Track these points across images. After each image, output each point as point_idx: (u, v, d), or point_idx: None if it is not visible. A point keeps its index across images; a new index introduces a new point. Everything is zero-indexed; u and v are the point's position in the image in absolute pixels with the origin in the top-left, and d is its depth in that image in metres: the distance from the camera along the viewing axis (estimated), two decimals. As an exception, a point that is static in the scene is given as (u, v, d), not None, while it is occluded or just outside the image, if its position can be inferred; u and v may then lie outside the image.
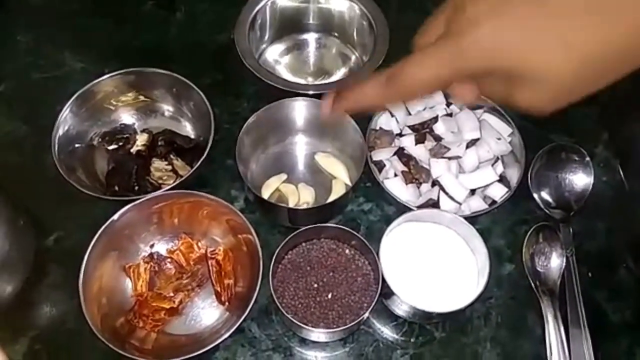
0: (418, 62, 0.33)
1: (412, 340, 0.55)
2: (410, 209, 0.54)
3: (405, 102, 0.44)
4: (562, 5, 0.28)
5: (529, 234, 0.58)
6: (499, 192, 0.57)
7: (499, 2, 0.29)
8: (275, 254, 0.51)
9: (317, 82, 0.68)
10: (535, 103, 0.31)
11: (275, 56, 0.70)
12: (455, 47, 0.30)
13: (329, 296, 0.53)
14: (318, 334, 0.52)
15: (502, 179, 0.58)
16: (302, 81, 0.68)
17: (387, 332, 0.55)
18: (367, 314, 0.50)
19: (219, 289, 0.55)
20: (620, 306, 0.57)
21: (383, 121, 0.62)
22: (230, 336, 0.49)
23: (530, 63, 0.29)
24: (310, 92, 0.59)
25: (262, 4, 0.65)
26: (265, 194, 0.60)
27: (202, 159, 0.56)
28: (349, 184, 0.60)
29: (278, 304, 0.49)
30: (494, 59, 0.30)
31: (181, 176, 0.59)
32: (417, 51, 0.34)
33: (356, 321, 0.49)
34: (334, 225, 0.53)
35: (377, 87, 0.36)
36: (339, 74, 0.69)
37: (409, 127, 0.61)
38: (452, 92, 0.34)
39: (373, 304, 0.50)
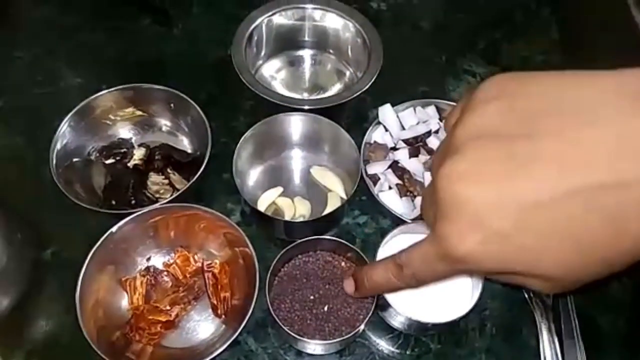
0: (416, 262, 0.34)
1: (407, 352, 0.55)
2: (404, 221, 0.55)
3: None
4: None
5: (522, 246, 0.59)
6: (492, 205, 0.58)
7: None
8: (272, 267, 0.52)
9: (312, 97, 0.69)
10: (547, 291, 0.30)
11: (271, 72, 0.72)
12: (448, 258, 0.30)
13: (325, 308, 0.53)
14: (314, 347, 0.52)
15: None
16: (297, 96, 0.69)
17: (383, 344, 0.56)
18: (362, 326, 0.50)
19: (215, 302, 0.55)
20: (613, 318, 0.57)
21: (377, 135, 0.63)
22: (226, 349, 0.49)
23: (536, 268, 0.28)
24: (306, 107, 0.60)
25: (258, 21, 0.67)
26: (262, 207, 0.60)
27: (199, 173, 0.56)
28: (344, 197, 0.61)
29: (275, 317, 0.50)
30: (496, 267, 0.29)
31: (178, 190, 0.60)
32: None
33: (352, 333, 0.50)
34: (330, 237, 0.54)
35: (389, 274, 0.37)
36: (334, 90, 0.71)
37: (403, 141, 0.62)
38: None
39: (369, 315, 0.50)
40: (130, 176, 0.61)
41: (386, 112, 0.62)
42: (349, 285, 0.45)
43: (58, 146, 0.59)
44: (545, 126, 0.26)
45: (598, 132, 0.24)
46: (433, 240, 0.31)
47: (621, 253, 0.26)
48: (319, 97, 0.69)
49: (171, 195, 0.58)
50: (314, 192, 0.63)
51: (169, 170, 0.62)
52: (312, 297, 0.53)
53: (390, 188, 0.60)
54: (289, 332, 0.49)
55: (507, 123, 0.27)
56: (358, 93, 0.61)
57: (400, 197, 0.59)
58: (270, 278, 0.52)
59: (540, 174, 0.26)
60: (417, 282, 0.35)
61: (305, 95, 0.70)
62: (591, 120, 0.25)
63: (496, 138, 0.27)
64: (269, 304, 0.50)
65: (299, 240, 0.53)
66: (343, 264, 0.55)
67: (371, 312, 0.50)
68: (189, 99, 0.61)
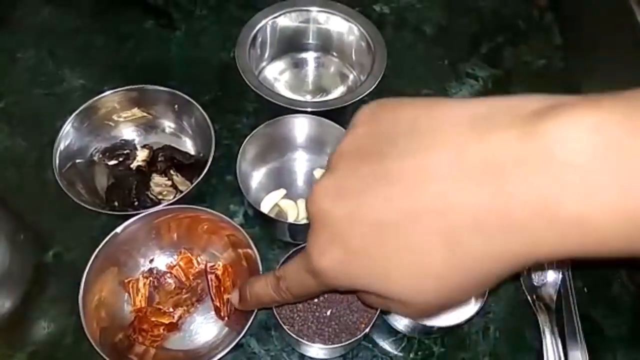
0: (289, 275, 0.35)
1: (411, 355, 0.55)
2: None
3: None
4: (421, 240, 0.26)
5: (525, 249, 0.59)
6: (495, 208, 0.58)
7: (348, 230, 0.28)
8: (280, 263, 0.52)
9: (316, 100, 0.69)
10: (411, 314, 0.30)
11: (275, 74, 0.72)
12: (311, 272, 0.31)
13: (328, 312, 0.53)
14: (317, 350, 0.52)
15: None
16: (301, 99, 0.69)
17: (387, 347, 0.55)
18: (367, 330, 0.50)
19: (218, 304, 0.55)
20: (616, 321, 0.57)
21: (381, 138, 0.63)
22: (229, 352, 0.48)
23: (387, 290, 0.28)
24: (309, 110, 0.60)
25: (262, 23, 0.67)
26: (265, 209, 0.60)
27: (202, 175, 0.56)
28: (348, 199, 0.61)
29: (276, 314, 0.49)
30: (350, 284, 0.30)
31: (181, 191, 0.60)
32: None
33: (355, 338, 0.49)
34: None
35: (268, 287, 0.38)
36: (337, 92, 0.71)
37: (406, 143, 0.62)
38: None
39: (374, 319, 0.50)
40: (133, 177, 0.61)
41: (390, 114, 0.62)
42: (234, 297, 0.44)
43: (61, 147, 0.58)
44: (396, 148, 0.27)
45: (435, 156, 0.25)
46: (303, 254, 0.32)
47: (466, 276, 0.26)
48: (322, 99, 0.69)
49: (174, 197, 0.58)
50: (317, 194, 0.63)
51: (172, 171, 0.62)
52: (315, 300, 0.53)
53: (393, 191, 0.60)
54: (288, 331, 0.49)
55: (370, 144, 0.29)
56: (362, 96, 0.61)
57: (404, 199, 0.59)
58: None
59: (386, 194, 0.26)
60: (292, 296, 0.36)
61: (309, 98, 0.70)
62: (430, 144, 0.26)
63: (360, 158, 0.28)
64: None
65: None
66: None
67: (373, 321, 0.50)
68: (192, 101, 0.61)
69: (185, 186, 0.61)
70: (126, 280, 0.55)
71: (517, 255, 0.25)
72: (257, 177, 0.63)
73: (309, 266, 0.30)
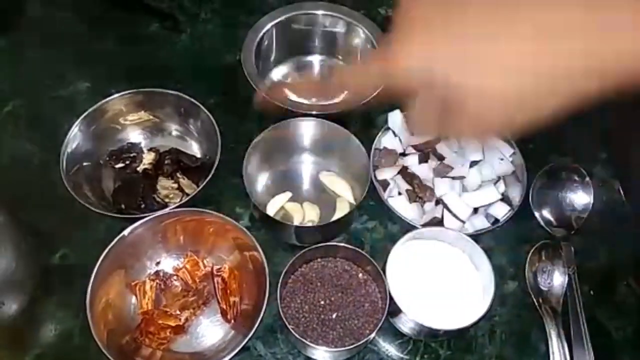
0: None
1: (417, 358, 0.55)
2: (414, 227, 0.55)
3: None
4: (511, 32, 0.29)
5: (531, 252, 0.59)
6: (501, 211, 0.58)
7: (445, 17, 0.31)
8: (290, 264, 0.52)
9: (321, 103, 0.69)
10: (470, 125, 0.33)
11: (281, 77, 0.72)
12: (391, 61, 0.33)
13: (334, 316, 0.53)
14: (323, 353, 0.52)
15: (505, 198, 0.59)
16: (306, 102, 0.69)
17: (393, 350, 0.55)
18: (372, 335, 0.50)
19: (224, 307, 0.55)
20: (622, 324, 0.57)
21: (387, 141, 0.63)
22: (235, 355, 0.49)
23: (467, 81, 0.31)
24: (314, 112, 0.61)
25: (268, 26, 0.67)
26: (271, 211, 0.60)
27: (208, 178, 0.56)
28: (353, 202, 0.61)
29: (282, 314, 0.50)
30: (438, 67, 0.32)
31: (187, 194, 0.60)
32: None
33: (359, 343, 0.49)
34: (354, 248, 0.54)
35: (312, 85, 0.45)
36: (343, 95, 0.71)
37: (412, 146, 0.62)
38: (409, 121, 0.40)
39: (380, 323, 0.50)
40: (140, 180, 0.61)
41: (396, 117, 0.63)
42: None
43: (68, 150, 0.59)
44: None
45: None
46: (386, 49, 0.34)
47: (547, 77, 0.29)
48: (328, 103, 0.69)
49: (181, 200, 0.58)
50: (323, 197, 0.63)
51: (178, 174, 0.62)
52: (322, 302, 0.53)
53: (399, 194, 0.60)
54: (292, 331, 0.49)
55: None
56: (367, 99, 0.61)
57: (410, 202, 0.59)
58: (286, 275, 0.52)
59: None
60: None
61: (314, 101, 0.70)
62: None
63: None
64: (279, 300, 0.50)
65: (322, 244, 0.53)
66: (360, 275, 0.55)
67: (379, 327, 0.50)
68: (198, 104, 0.61)
69: (191, 189, 0.61)
70: (133, 283, 0.56)
71: (601, 71, 0.28)
72: (263, 180, 0.64)
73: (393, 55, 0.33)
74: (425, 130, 0.42)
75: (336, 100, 0.70)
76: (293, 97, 0.69)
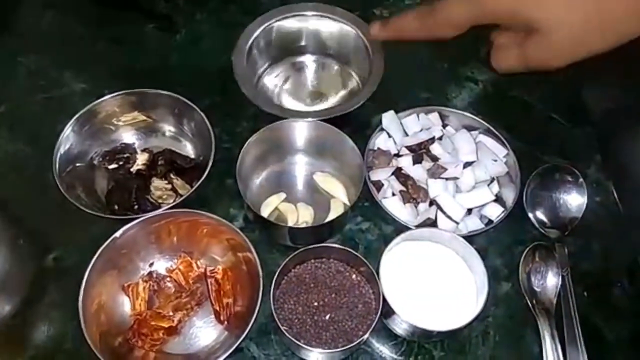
0: (455, 2, 0.47)
1: (411, 359, 0.55)
2: (408, 228, 0.55)
3: (439, 36, 0.53)
4: None
5: (525, 253, 0.59)
6: (495, 212, 0.58)
7: None
8: (283, 265, 0.52)
9: (314, 108, 0.69)
10: (546, 54, 0.43)
11: (274, 79, 0.72)
12: None
13: (327, 317, 0.53)
14: (316, 355, 0.52)
15: (498, 199, 0.59)
16: (299, 105, 0.69)
17: (386, 351, 0.55)
18: (366, 336, 0.50)
19: (218, 308, 0.55)
20: (615, 325, 0.57)
21: (381, 142, 0.63)
22: (229, 356, 0.48)
23: (538, 14, 0.41)
24: (310, 119, 0.61)
25: (260, 29, 0.67)
26: (265, 212, 0.60)
27: (202, 179, 0.56)
28: (347, 203, 0.61)
29: (275, 315, 0.50)
30: (510, 6, 0.42)
31: (181, 195, 0.60)
32: None
33: (353, 344, 0.49)
34: (348, 249, 0.53)
35: (418, 19, 0.50)
36: (337, 97, 0.71)
37: (406, 147, 0.62)
38: (493, 56, 0.49)
39: (373, 324, 0.50)
40: (133, 181, 0.61)
41: (390, 118, 0.63)
42: (374, 26, 0.58)
43: (61, 151, 0.58)
44: None
45: None
46: None
47: (609, 13, 0.40)
48: (321, 107, 0.69)
49: (174, 201, 0.58)
50: (317, 198, 0.63)
51: (172, 175, 0.62)
52: (315, 304, 0.53)
53: (393, 195, 0.60)
54: (286, 333, 0.49)
55: None
56: (361, 103, 0.62)
57: (404, 203, 0.59)
58: (279, 277, 0.52)
59: None
60: (442, 23, 0.49)
61: (308, 102, 0.70)
62: None
63: None
64: (272, 301, 0.50)
65: (316, 245, 0.53)
66: (354, 276, 0.55)
67: (372, 328, 0.50)
68: (192, 105, 0.61)
69: (185, 190, 0.61)
70: (126, 284, 0.55)
71: None
72: (257, 181, 0.64)
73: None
74: (507, 63, 0.48)
75: (330, 100, 0.70)
76: (289, 105, 0.69)
